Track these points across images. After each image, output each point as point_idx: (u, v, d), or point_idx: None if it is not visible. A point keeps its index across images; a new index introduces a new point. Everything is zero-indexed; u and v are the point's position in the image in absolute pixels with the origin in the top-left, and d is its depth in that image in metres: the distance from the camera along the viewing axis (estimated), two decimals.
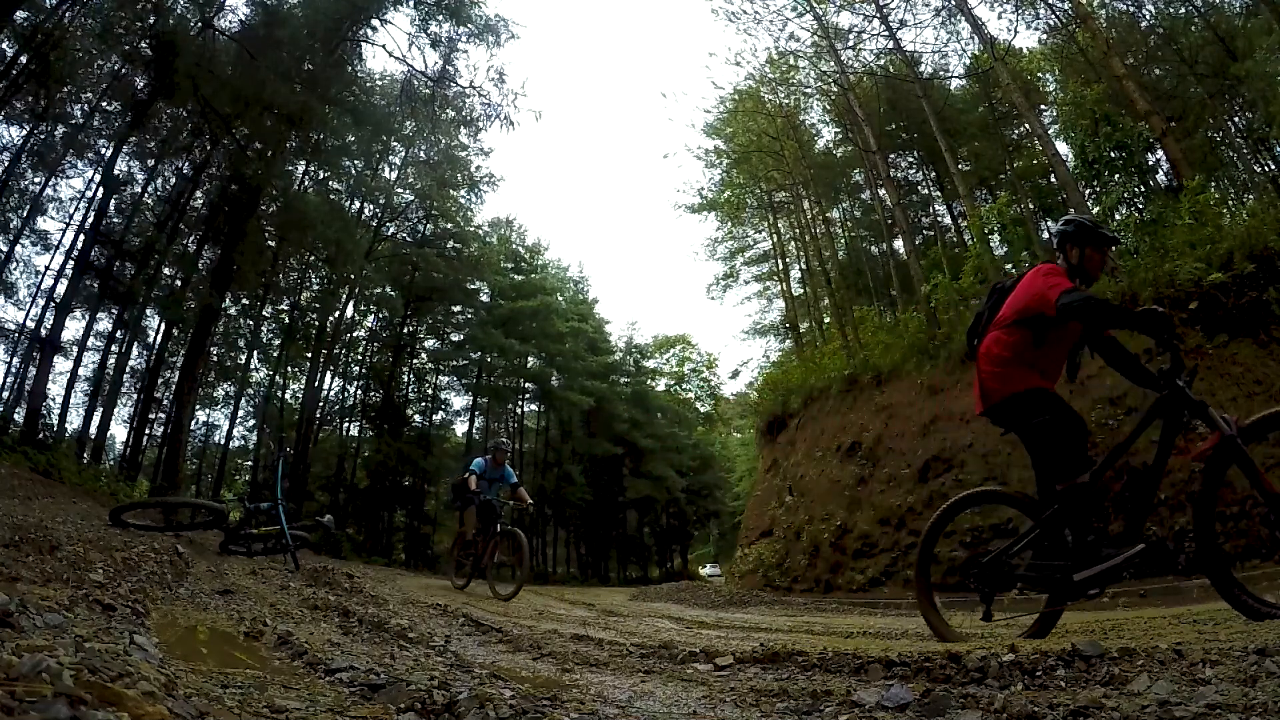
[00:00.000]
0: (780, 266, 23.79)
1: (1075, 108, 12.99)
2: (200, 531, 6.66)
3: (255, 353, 20.69)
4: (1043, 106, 16.16)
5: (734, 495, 33.20)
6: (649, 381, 34.25)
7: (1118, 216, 12.26)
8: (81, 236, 13.99)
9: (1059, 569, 2.87)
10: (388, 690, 1.51)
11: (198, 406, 18.84)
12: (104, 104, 14.04)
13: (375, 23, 16.34)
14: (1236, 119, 14.90)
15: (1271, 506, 2.66)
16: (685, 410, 35.25)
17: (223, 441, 21.29)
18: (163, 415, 17.69)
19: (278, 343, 21.12)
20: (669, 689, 1.93)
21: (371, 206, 22.48)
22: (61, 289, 13.64)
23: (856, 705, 1.59)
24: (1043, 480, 3.05)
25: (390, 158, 21.74)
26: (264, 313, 20.04)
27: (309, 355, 21.11)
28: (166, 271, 15.79)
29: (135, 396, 16.72)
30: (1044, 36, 16.69)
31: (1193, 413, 2.84)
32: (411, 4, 16.48)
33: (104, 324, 15.54)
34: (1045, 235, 18.96)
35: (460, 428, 28.88)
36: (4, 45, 11.81)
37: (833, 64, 17.14)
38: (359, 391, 24.80)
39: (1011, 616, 3.37)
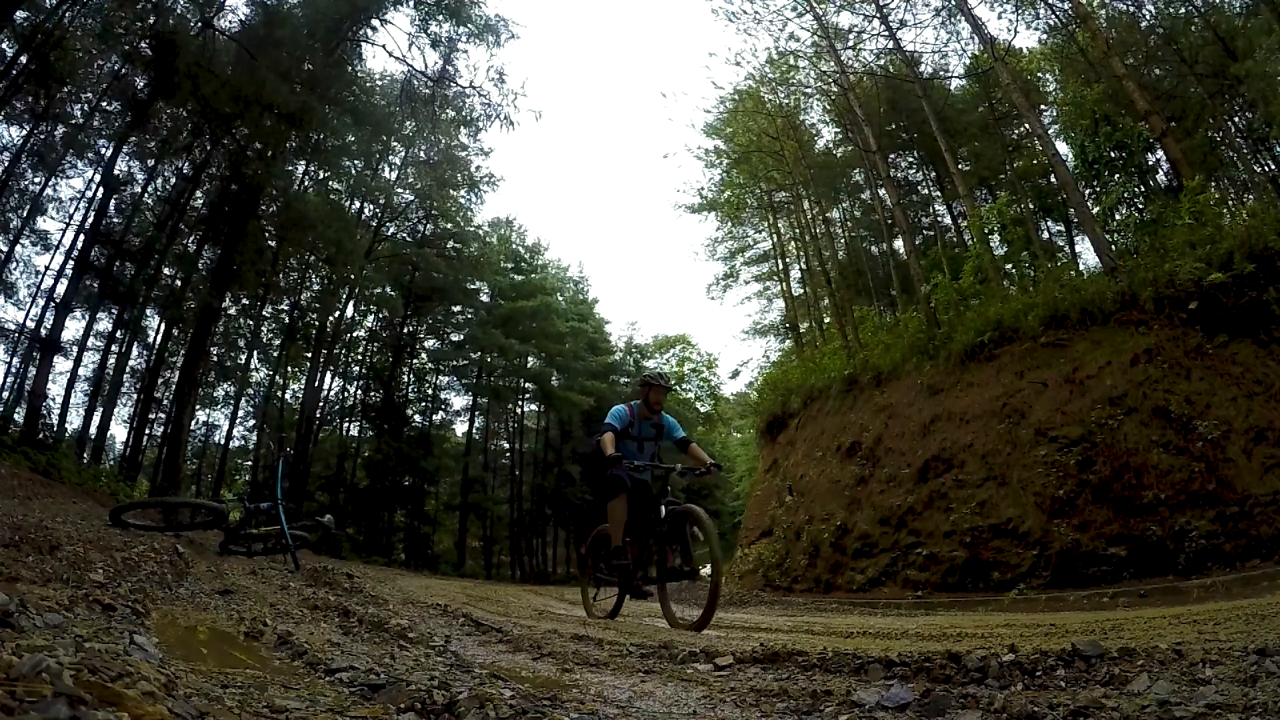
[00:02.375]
0: (780, 266, 23.78)
1: (1075, 108, 13.01)
2: (200, 531, 6.66)
3: (255, 353, 20.71)
4: (1043, 106, 16.15)
5: (734, 495, 33.17)
6: None
7: (1118, 216, 12.27)
8: (81, 236, 14.00)
9: None
10: (388, 690, 1.51)
11: (198, 406, 18.83)
12: (104, 104, 14.04)
13: (375, 23, 16.38)
14: (1236, 119, 14.88)
15: None
16: (685, 410, 35.22)
17: (223, 441, 21.30)
18: (163, 415, 17.69)
19: (278, 343, 21.13)
20: (669, 689, 1.93)
21: (371, 206, 22.49)
22: (61, 289, 13.65)
23: (856, 705, 1.59)
24: None
25: (390, 158, 21.76)
26: (264, 313, 20.05)
27: (309, 355, 21.11)
28: (166, 271, 15.81)
29: (135, 396, 16.71)
30: (1044, 36, 16.70)
31: None
32: (411, 4, 16.52)
33: (104, 324, 15.55)
34: (1045, 235, 19.00)
35: (460, 428, 28.90)
36: (4, 45, 11.81)
37: (833, 64, 17.14)
38: (359, 391, 24.82)
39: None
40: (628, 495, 4.92)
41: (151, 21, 12.83)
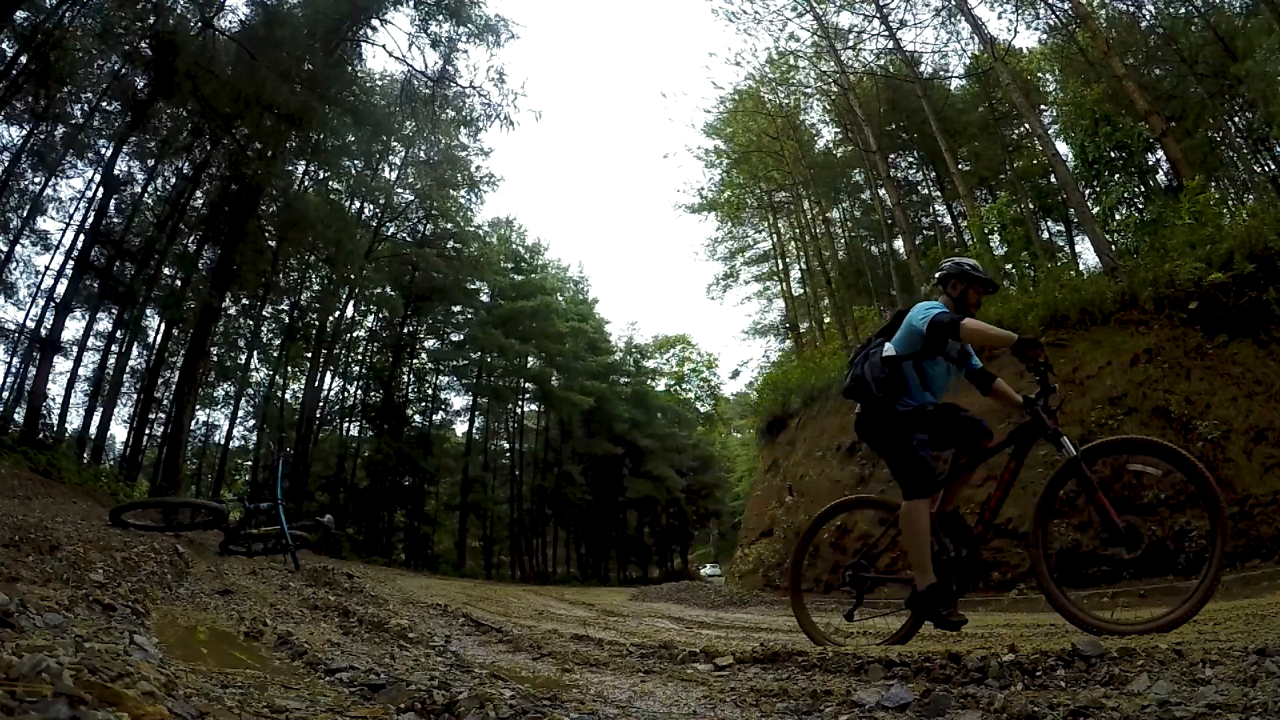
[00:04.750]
0: (780, 266, 23.81)
1: (1075, 108, 13.00)
2: (200, 531, 6.65)
3: (255, 353, 20.71)
4: (1043, 106, 16.16)
5: (734, 495, 33.21)
6: (649, 381, 34.26)
7: (1118, 216, 12.27)
8: (81, 236, 13.99)
9: None
10: (388, 690, 1.51)
11: (198, 406, 18.83)
12: (104, 104, 14.03)
13: (375, 23, 16.35)
14: (1236, 119, 14.90)
15: None
16: (685, 410, 35.26)
17: (223, 441, 21.31)
18: (163, 415, 17.69)
19: (278, 343, 21.13)
20: (669, 689, 1.93)
21: (371, 206, 22.50)
22: (61, 289, 13.64)
23: (856, 705, 1.59)
24: None
25: (390, 158, 21.76)
26: (264, 313, 20.05)
27: (309, 355, 21.11)
28: (166, 271, 15.79)
29: (135, 396, 16.71)
30: (1044, 36, 16.72)
31: None
32: (411, 4, 16.49)
33: (104, 324, 15.55)
34: (1045, 235, 19.02)
35: (460, 428, 28.93)
36: (4, 45, 11.81)
37: (833, 64, 17.15)
38: (359, 391, 24.83)
39: None
40: (959, 430, 3.18)
41: (151, 21, 12.81)
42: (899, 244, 18.24)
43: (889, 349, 3.21)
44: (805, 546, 3.96)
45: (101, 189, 14.18)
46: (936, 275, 3.44)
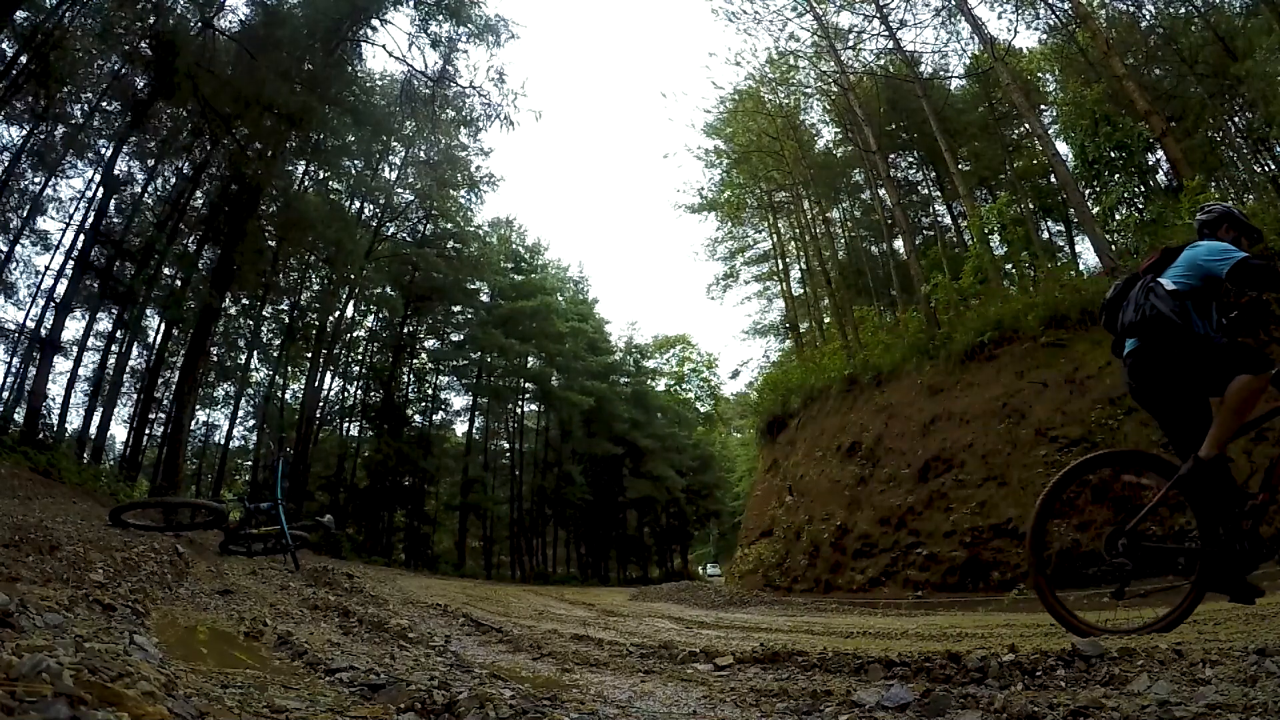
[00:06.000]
0: (780, 266, 23.80)
1: (1075, 108, 13.02)
2: (200, 531, 6.65)
3: (255, 353, 20.71)
4: (1043, 106, 16.16)
5: (734, 495, 33.22)
6: (649, 381, 34.28)
7: (1118, 216, 12.28)
8: (81, 236, 13.98)
9: None
10: (388, 690, 1.51)
11: (198, 406, 18.82)
12: (104, 104, 14.03)
13: (375, 23, 16.35)
14: (1236, 119, 14.89)
15: None
16: (685, 410, 35.28)
17: (223, 441, 21.31)
18: (163, 415, 17.68)
19: (278, 343, 21.13)
20: (669, 689, 1.93)
21: (371, 206, 22.51)
22: (61, 289, 13.63)
23: (856, 705, 1.59)
24: None
25: (390, 158, 21.76)
26: (264, 313, 20.05)
27: (309, 355, 21.12)
28: (166, 271, 15.78)
29: (135, 396, 16.70)
30: (1044, 36, 16.73)
31: None
32: (411, 4, 16.49)
33: (104, 324, 15.53)
34: (1045, 235, 19.02)
35: (460, 428, 28.94)
36: (4, 45, 11.81)
37: (833, 64, 17.15)
38: (359, 391, 24.83)
39: None
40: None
41: (151, 21, 12.81)
42: (899, 244, 18.24)
43: (1169, 284, 2.89)
44: (1048, 512, 3.06)
45: (101, 189, 14.18)
46: (1201, 218, 3.11)
